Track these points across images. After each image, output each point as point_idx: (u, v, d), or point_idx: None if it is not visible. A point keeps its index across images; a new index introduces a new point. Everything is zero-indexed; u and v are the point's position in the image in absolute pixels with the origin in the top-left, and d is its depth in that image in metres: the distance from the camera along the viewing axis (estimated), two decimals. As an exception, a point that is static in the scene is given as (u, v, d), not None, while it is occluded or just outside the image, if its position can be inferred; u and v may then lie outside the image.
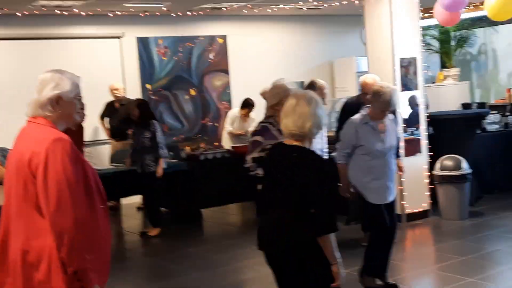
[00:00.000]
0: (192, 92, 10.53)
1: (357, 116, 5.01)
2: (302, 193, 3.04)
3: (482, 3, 7.14)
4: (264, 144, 4.41)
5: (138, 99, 8.23)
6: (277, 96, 4.48)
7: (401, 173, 5.63)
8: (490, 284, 5.11)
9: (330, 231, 3.03)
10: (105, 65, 9.76)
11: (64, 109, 2.69)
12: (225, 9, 9.72)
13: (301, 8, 10.25)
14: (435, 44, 12.45)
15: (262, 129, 4.54)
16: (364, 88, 6.29)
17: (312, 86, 5.97)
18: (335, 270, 3.04)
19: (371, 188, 4.85)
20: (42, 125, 2.63)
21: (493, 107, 10.29)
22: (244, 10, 10.00)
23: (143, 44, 10.07)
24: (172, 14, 9.74)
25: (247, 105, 9.07)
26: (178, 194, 8.33)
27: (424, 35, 11.43)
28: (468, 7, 10.54)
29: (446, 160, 7.38)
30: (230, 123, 9.32)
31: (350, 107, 6.67)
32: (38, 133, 2.60)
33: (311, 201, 3.02)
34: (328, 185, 3.10)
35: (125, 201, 9.23)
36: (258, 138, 4.52)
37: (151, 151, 7.40)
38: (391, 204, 4.99)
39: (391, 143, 4.91)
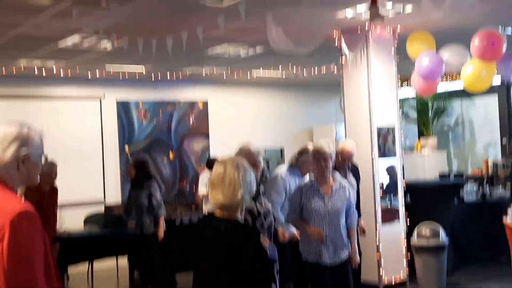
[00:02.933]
0: (171, 155, 10.50)
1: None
2: (234, 271, 2.83)
3: (458, 75, 7.29)
4: None
5: (136, 158, 8.09)
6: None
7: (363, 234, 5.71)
8: None
9: None
10: (84, 127, 9.75)
11: (29, 170, 2.43)
12: (206, 74, 9.83)
13: (281, 76, 10.40)
14: (413, 113, 12.64)
15: None
16: (341, 154, 6.28)
17: (305, 152, 6.04)
18: None
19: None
20: (3, 188, 2.39)
21: (471, 178, 10.35)
22: (225, 76, 10.12)
23: (123, 106, 10.10)
24: (153, 78, 9.82)
25: (212, 165, 9.01)
26: (153, 258, 8.13)
27: (402, 105, 11.64)
28: (445, 79, 10.79)
29: (423, 229, 7.34)
30: (203, 185, 9.25)
31: None
32: (1, 200, 2.43)
33: (249, 275, 2.82)
34: (262, 257, 2.90)
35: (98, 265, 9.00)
36: None
37: (149, 211, 7.20)
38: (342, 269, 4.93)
39: (337, 205, 4.90)
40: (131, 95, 10.23)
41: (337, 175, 5.11)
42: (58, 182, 7.07)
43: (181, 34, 5.84)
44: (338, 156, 6.16)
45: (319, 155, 4.93)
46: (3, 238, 2.28)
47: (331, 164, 4.95)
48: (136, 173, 7.32)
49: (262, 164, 4.34)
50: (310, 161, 5.95)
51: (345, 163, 6.08)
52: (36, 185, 2.60)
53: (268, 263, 3.11)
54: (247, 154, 4.22)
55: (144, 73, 9.34)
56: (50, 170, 6.86)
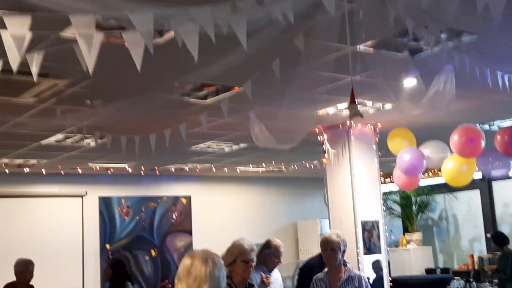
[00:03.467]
0: (153, 252, 10.32)
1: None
2: None
3: (440, 170, 7.36)
4: None
5: (113, 258, 7.93)
6: (231, 256, 4.25)
7: None
8: None
9: None
10: (65, 225, 9.60)
11: None
12: (189, 170, 9.85)
13: (265, 171, 10.45)
14: (397, 208, 12.65)
15: None
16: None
17: (267, 245, 5.92)
18: None
19: None
20: None
21: (457, 273, 10.23)
22: (208, 171, 10.14)
23: (106, 203, 10.01)
24: (136, 174, 9.81)
25: None
26: None
27: (386, 199, 11.66)
28: (427, 174, 10.89)
29: (412, 327, 7.16)
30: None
31: (310, 267, 6.57)
32: None
33: None
34: None
35: None
36: None
37: None
38: None
39: None
40: (114, 191, 10.17)
41: (349, 266, 4.89)
42: (36, 281, 6.86)
43: (164, 131, 5.87)
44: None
45: (325, 245, 4.77)
46: None
47: (340, 254, 4.76)
48: (113, 274, 7.14)
49: (255, 260, 4.24)
50: (273, 255, 5.86)
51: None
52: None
53: None
54: (239, 250, 4.14)
55: (127, 169, 9.32)
56: (26, 269, 6.69)
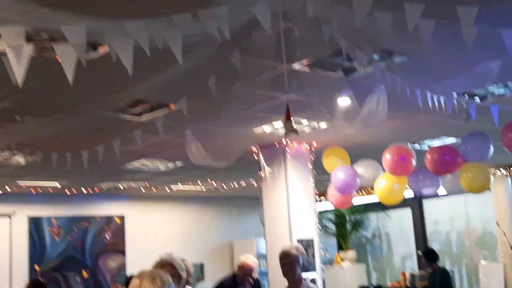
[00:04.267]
0: (85, 273, 10.04)
1: None
2: None
3: (373, 188, 7.50)
4: None
5: (32, 280, 7.66)
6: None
7: None
8: None
9: None
10: (-8, 244, 9.23)
11: None
12: (123, 188, 9.66)
13: (201, 190, 10.38)
14: (332, 226, 12.81)
15: None
16: (242, 269, 6.20)
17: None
18: None
19: None
20: None
21: (390, 290, 10.42)
22: (142, 190, 9.98)
23: (35, 223, 9.69)
24: (68, 193, 9.55)
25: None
26: None
27: (321, 218, 11.77)
28: (360, 192, 11.09)
29: None
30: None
31: (223, 286, 6.58)
32: None
33: None
34: None
35: None
36: None
37: None
38: None
39: None
40: (44, 211, 9.86)
41: (307, 280, 4.72)
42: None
43: (98, 148, 5.75)
44: (239, 271, 6.10)
45: (284, 259, 4.63)
46: None
47: (298, 268, 4.60)
48: None
49: (184, 277, 4.12)
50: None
51: (246, 278, 5.95)
52: None
53: None
54: (168, 266, 3.99)
55: (58, 187, 9.06)
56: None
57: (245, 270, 5.98)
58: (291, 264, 4.64)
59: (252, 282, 6.08)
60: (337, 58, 4.60)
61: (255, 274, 6.13)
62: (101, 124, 5.89)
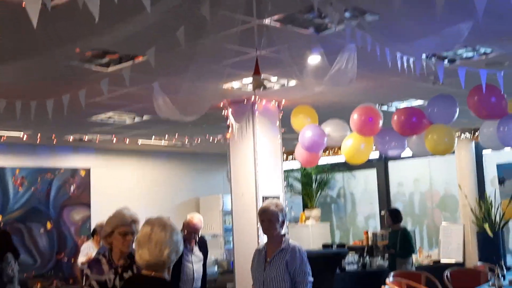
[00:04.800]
0: (49, 225, 9.98)
1: None
2: None
3: (340, 148, 7.56)
4: (90, 278, 4.01)
5: None
6: (109, 226, 4.00)
7: None
8: None
9: None
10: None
11: None
12: (89, 141, 9.54)
13: (167, 145, 10.34)
14: (298, 185, 12.93)
15: (92, 262, 4.16)
16: (187, 227, 6.18)
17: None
18: None
19: None
20: None
21: (352, 248, 10.60)
22: (109, 143, 9.88)
23: (-2, 173, 9.56)
24: (32, 144, 9.41)
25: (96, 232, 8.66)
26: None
27: (287, 177, 11.87)
28: (327, 152, 11.18)
29: (307, 300, 7.34)
30: (84, 255, 8.78)
31: None
32: None
33: None
34: None
35: None
36: (86, 270, 4.14)
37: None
38: None
39: (272, 272, 4.50)
40: (7, 161, 9.71)
41: (287, 237, 4.59)
42: None
43: (63, 98, 5.64)
44: (184, 229, 6.09)
45: (262, 216, 4.55)
46: None
47: (278, 225, 4.48)
48: None
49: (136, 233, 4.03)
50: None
51: (191, 236, 5.93)
52: None
53: None
54: (118, 221, 3.91)
55: (22, 138, 8.91)
56: None
57: (190, 228, 5.95)
58: (269, 221, 4.52)
59: (198, 241, 6.06)
60: (309, 15, 4.56)
61: (199, 233, 6.09)
62: (67, 73, 5.78)
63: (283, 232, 4.58)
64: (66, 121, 7.87)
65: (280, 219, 4.53)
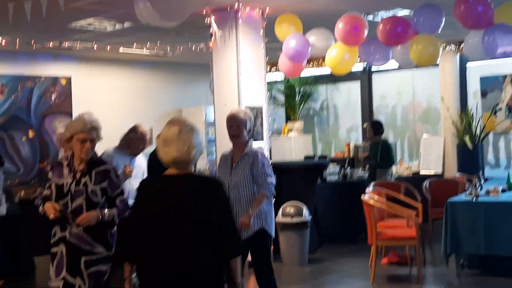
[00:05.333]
0: (30, 133, 9.94)
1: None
2: (205, 221, 2.95)
3: (324, 59, 7.50)
4: (51, 180, 4.05)
5: None
6: (69, 132, 4.00)
7: None
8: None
9: (240, 252, 3.13)
10: None
11: None
12: (69, 48, 9.34)
13: (149, 54, 10.17)
14: (281, 97, 12.92)
15: (54, 164, 4.19)
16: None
17: (133, 130, 5.88)
18: None
19: None
20: None
21: (334, 160, 10.75)
22: (90, 52, 9.69)
23: (-22, 81, 9.41)
24: (11, 51, 9.21)
25: None
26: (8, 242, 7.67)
27: (270, 89, 11.84)
28: (311, 64, 11.10)
29: (288, 207, 7.51)
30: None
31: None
32: None
33: (218, 226, 2.98)
34: (228, 207, 3.10)
35: None
36: (49, 173, 4.18)
37: None
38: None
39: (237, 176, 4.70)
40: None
41: (250, 143, 4.76)
42: None
43: (41, 1, 5.47)
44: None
45: (231, 121, 4.72)
46: None
47: (245, 132, 4.69)
48: None
49: (97, 140, 3.99)
50: (138, 140, 5.83)
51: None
52: None
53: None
54: (77, 127, 3.87)
55: (1, 43, 8.70)
56: None
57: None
58: (237, 127, 4.70)
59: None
60: None
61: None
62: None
63: (247, 139, 4.76)
64: (45, 27, 7.69)
65: (248, 126, 4.73)
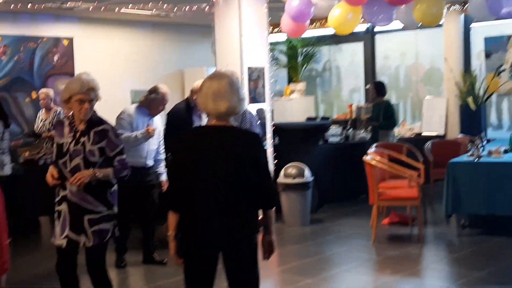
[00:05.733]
0: (34, 95, 9.95)
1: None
2: (246, 170, 3.07)
3: (326, 20, 7.44)
4: (54, 139, 4.09)
5: None
6: (67, 92, 3.96)
7: None
8: (327, 284, 5.27)
9: (277, 203, 3.25)
10: None
11: None
12: (71, 8, 9.27)
13: (151, 14, 10.09)
14: (283, 59, 12.85)
15: (57, 123, 4.21)
16: (196, 93, 6.25)
17: (155, 91, 5.88)
18: (274, 239, 3.28)
19: None
20: None
21: (336, 122, 10.76)
22: (91, 12, 9.62)
23: (-19, 40, 9.37)
24: (14, 11, 9.15)
25: None
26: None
27: (272, 50, 11.76)
28: (314, 25, 11.00)
29: (290, 168, 7.56)
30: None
31: (177, 111, 6.69)
32: None
33: (258, 176, 3.11)
34: (266, 159, 3.19)
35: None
36: (53, 132, 4.22)
37: None
38: None
39: None
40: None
41: None
42: None
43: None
44: (192, 95, 6.28)
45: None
46: None
47: None
48: None
49: (95, 100, 3.99)
50: (159, 101, 5.85)
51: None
52: None
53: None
54: (75, 88, 3.87)
55: (2, 3, 8.63)
56: None
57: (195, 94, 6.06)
58: None
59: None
60: None
61: None
62: None
63: None
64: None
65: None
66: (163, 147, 6.06)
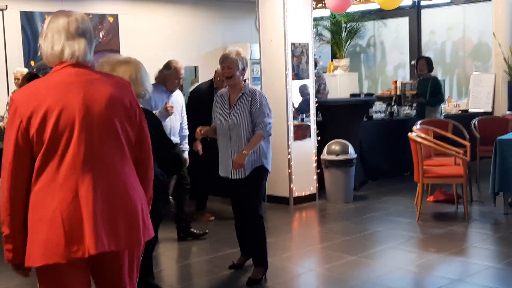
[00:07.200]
0: (80, 72, 10.11)
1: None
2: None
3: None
4: None
5: (28, 72, 7.57)
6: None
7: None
8: (370, 261, 5.25)
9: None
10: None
11: None
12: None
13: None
14: (327, 34, 12.72)
15: None
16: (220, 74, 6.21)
17: (167, 66, 5.90)
18: None
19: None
20: None
21: (380, 98, 10.64)
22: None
23: (28, 18, 9.54)
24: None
25: None
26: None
27: (316, 25, 11.66)
28: (359, 0, 10.86)
29: (334, 145, 7.52)
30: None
31: (200, 91, 6.70)
32: None
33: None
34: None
35: None
36: None
37: None
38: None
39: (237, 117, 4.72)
40: (36, 6, 9.65)
41: (247, 83, 4.79)
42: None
43: None
44: (216, 77, 6.32)
45: (223, 62, 4.70)
46: None
47: (237, 72, 4.67)
48: None
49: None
50: (173, 75, 5.85)
51: (224, 84, 5.94)
52: None
53: None
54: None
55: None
56: None
57: (222, 76, 6.00)
58: (229, 68, 4.70)
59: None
60: None
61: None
62: None
63: (243, 79, 4.76)
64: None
65: (240, 66, 4.70)
66: (187, 122, 6.12)
